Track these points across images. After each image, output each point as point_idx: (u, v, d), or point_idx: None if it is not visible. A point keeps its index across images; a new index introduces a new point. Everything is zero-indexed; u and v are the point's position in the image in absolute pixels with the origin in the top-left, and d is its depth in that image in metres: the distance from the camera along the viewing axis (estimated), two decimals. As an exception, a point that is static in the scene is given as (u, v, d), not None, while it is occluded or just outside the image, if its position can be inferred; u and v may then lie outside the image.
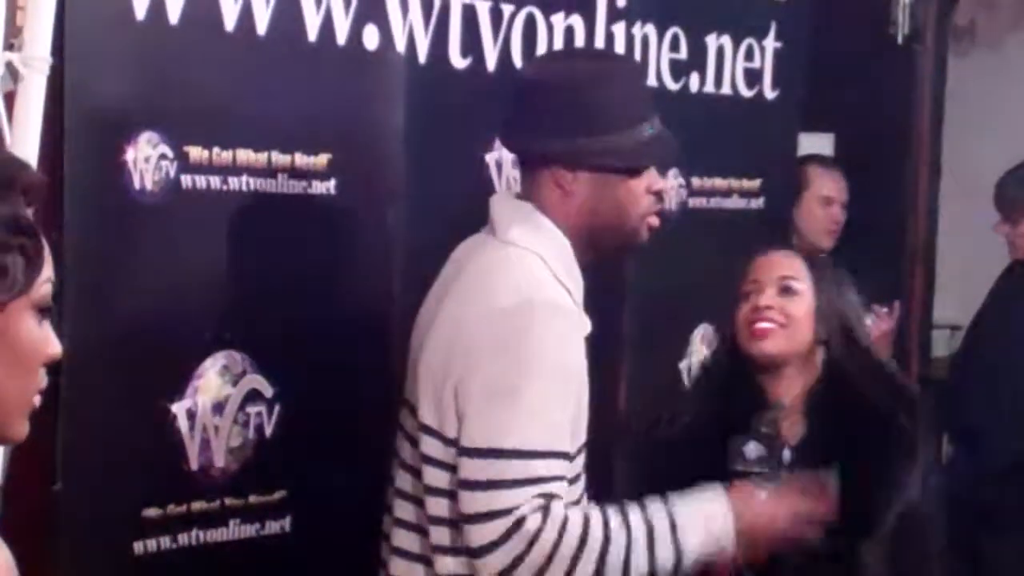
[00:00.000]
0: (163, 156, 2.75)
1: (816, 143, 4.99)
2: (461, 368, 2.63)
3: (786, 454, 3.00)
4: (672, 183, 3.93)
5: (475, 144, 3.44)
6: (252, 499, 2.96)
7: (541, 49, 3.52)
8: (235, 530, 2.95)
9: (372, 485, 3.02)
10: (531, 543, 2.52)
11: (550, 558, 2.54)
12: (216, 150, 2.85)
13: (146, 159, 2.71)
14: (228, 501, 2.92)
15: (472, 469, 2.57)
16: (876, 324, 4.94)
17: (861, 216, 5.10)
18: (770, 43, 4.18)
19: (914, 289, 5.33)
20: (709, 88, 4.03)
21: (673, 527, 2.65)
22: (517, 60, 3.49)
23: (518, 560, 2.54)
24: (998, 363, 4.74)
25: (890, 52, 5.38)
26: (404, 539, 2.78)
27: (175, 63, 2.79)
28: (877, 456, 3.01)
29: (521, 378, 2.60)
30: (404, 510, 2.78)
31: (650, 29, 3.84)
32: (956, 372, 5.16)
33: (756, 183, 4.25)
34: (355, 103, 3.16)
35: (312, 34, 3.01)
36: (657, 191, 2.86)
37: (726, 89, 4.09)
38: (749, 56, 4.13)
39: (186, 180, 2.79)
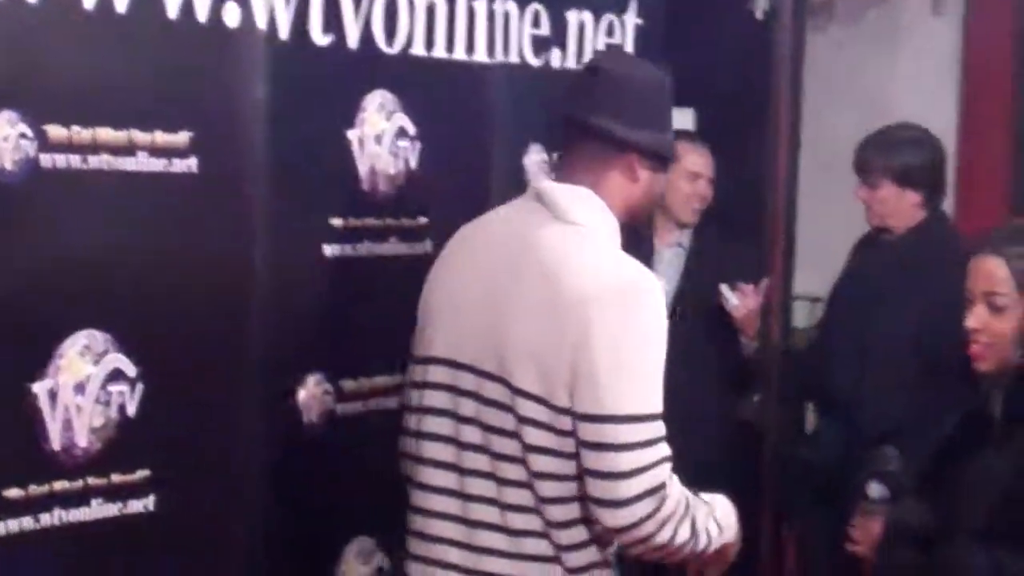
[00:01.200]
0: (22, 135, 2.74)
1: (677, 119, 5.06)
2: (579, 344, 2.92)
3: None
4: (534, 159, 4.02)
5: (337, 121, 3.47)
6: (115, 478, 2.98)
7: (403, 27, 3.56)
8: (98, 509, 2.95)
9: (235, 463, 3.10)
10: (664, 498, 2.94)
11: (673, 513, 2.96)
12: (76, 129, 2.84)
13: (5, 138, 2.70)
14: (91, 480, 2.93)
15: (618, 433, 2.90)
16: (743, 301, 5.04)
17: (723, 191, 5.20)
18: (631, 19, 4.23)
19: (774, 261, 5.41)
20: (571, 64, 4.06)
21: (711, 507, 3.12)
22: (379, 38, 3.52)
23: (655, 511, 2.93)
24: (864, 334, 4.78)
25: (749, 27, 5.47)
26: (490, 492, 3.06)
27: (33, 42, 2.78)
28: None
29: (645, 350, 2.96)
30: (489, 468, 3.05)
31: (511, 6, 3.87)
32: (820, 343, 5.21)
33: None
34: (216, 80, 3.17)
35: (172, 11, 3.01)
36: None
37: None
38: (610, 32, 4.18)
39: (46, 159, 2.78)
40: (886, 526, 3.32)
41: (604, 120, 3.08)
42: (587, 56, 4.08)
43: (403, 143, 3.60)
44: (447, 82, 3.74)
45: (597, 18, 4.13)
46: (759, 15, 5.45)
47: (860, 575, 3.73)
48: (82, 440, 2.91)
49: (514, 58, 3.90)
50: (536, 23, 3.94)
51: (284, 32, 3.28)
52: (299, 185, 3.35)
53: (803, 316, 6.17)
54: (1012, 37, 7.37)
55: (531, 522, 3.04)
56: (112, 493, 2.98)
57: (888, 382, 4.75)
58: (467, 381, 3.06)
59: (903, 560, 3.25)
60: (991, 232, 3.38)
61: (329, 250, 3.46)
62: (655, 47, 4.30)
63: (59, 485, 2.88)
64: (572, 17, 4.06)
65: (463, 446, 3.06)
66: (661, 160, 3.17)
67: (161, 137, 3.02)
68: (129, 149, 2.96)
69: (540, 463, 2.99)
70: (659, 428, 2.95)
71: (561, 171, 3.19)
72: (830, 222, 5.55)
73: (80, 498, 2.93)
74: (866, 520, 3.35)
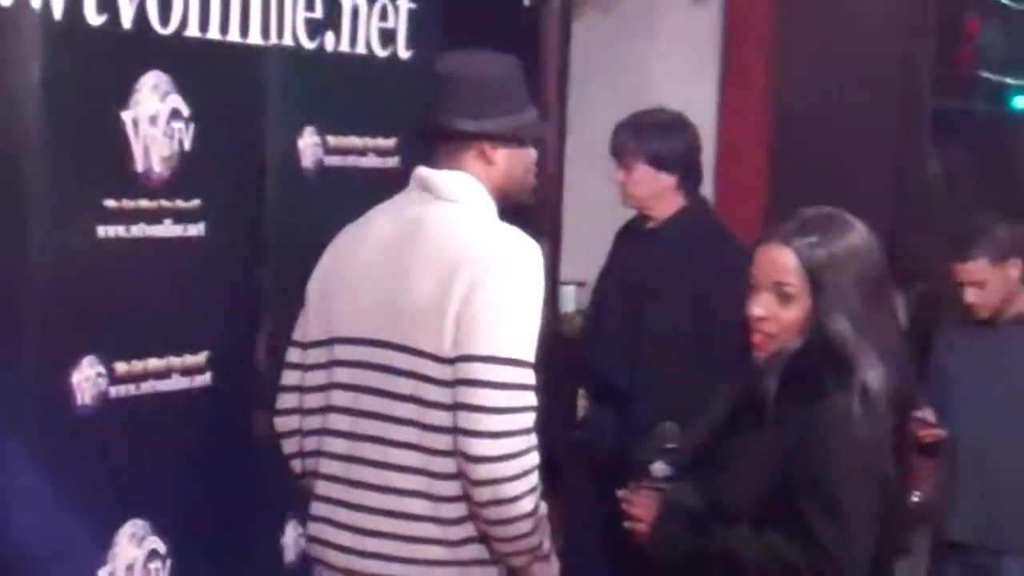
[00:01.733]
0: None
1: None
2: (467, 296, 3.25)
3: None
4: (308, 141, 4.07)
5: (111, 101, 3.47)
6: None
7: (177, 8, 3.59)
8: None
9: (7, 443, 3.19)
10: (531, 445, 3.26)
11: (534, 468, 3.28)
12: None
13: None
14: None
15: (495, 372, 3.22)
16: None
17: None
18: (404, 4, 4.31)
19: (542, 247, 5.53)
20: (344, 47, 4.13)
21: None
22: (153, 18, 3.54)
23: (521, 453, 3.23)
24: (635, 325, 4.86)
25: (518, 15, 5.58)
26: (401, 457, 3.33)
27: None
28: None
29: (524, 304, 3.29)
30: (399, 433, 3.32)
31: None
32: (591, 332, 5.28)
33: (391, 142, 4.36)
34: (-11, 59, 3.16)
35: (-57, -12, 2.99)
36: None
37: (361, 48, 4.20)
38: (383, 16, 4.25)
39: None
40: (663, 505, 3.42)
41: (450, 117, 3.44)
42: (361, 39, 4.18)
43: (177, 124, 3.63)
44: (221, 64, 3.77)
45: (371, 3, 4.20)
46: (527, 2, 5.58)
47: (632, 555, 3.81)
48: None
49: (288, 41, 3.95)
50: (310, 7, 4.00)
51: (58, 11, 3.27)
52: (73, 166, 3.36)
53: (570, 300, 6.31)
54: (770, 24, 7.64)
55: (414, 481, 3.33)
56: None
57: (661, 373, 4.85)
58: (370, 354, 3.35)
59: (677, 540, 3.36)
60: (779, 222, 3.49)
61: (103, 231, 3.47)
62: (429, 32, 4.39)
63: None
64: (346, 1, 4.12)
65: (362, 414, 3.36)
66: (517, 139, 3.50)
67: (-67, 116, 3.00)
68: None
69: (432, 416, 3.28)
70: (531, 376, 3.26)
71: (431, 163, 3.49)
72: (594, 207, 5.67)
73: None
74: (646, 499, 3.44)
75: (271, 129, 3.99)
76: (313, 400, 3.44)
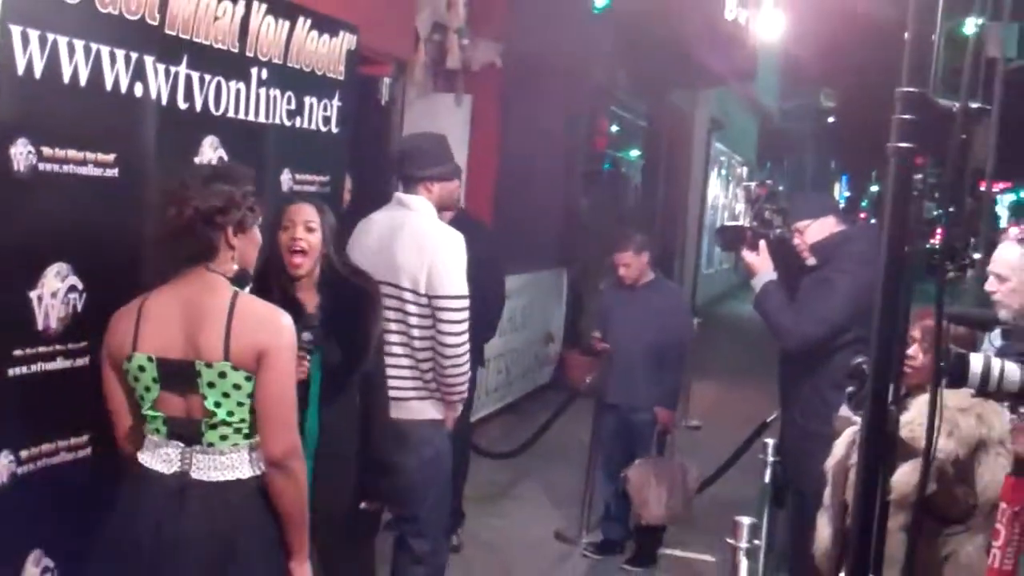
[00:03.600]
0: None
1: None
2: (432, 261, 3.57)
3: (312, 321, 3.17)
4: (285, 177, 3.83)
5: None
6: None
7: (227, 99, 3.35)
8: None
9: None
10: (467, 336, 3.60)
11: (468, 344, 3.61)
12: None
13: None
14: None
15: (455, 304, 3.55)
16: None
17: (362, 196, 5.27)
18: (335, 102, 3.94)
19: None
20: (306, 125, 3.78)
21: None
22: (211, 106, 3.23)
23: (465, 342, 3.59)
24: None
25: (379, 108, 5.70)
26: (396, 339, 3.60)
27: None
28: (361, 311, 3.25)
29: (461, 266, 3.61)
30: (395, 327, 3.59)
31: (277, 92, 3.61)
32: None
33: (326, 177, 4.00)
34: None
35: None
36: (458, 187, 4.08)
37: (314, 126, 3.85)
38: (326, 109, 3.91)
39: None
40: None
41: (410, 169, 3.82)
42: (314, 120, 3.86)
43: None
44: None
45: (319, 100, 3.81)
46: (383, 101, 5.73)
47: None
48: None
49: (278, 120, 3.59)
50: None
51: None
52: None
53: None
54: (497, 119, 7.97)
55: (405, 350, 3.62)
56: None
57: None
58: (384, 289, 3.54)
59: None
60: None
61: None
62: (347, 117, 4.05)
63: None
64: (307, 99, 3.77)
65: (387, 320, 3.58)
66: (444, 177, 3.85)
67: None
68: None
69: (411, 319, 3.62)
70: (467, 303, 3.59)
71: (404, 190, 3.83)
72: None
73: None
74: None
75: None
76: None
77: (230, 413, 2.51)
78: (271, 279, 3.19)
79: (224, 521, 2.45)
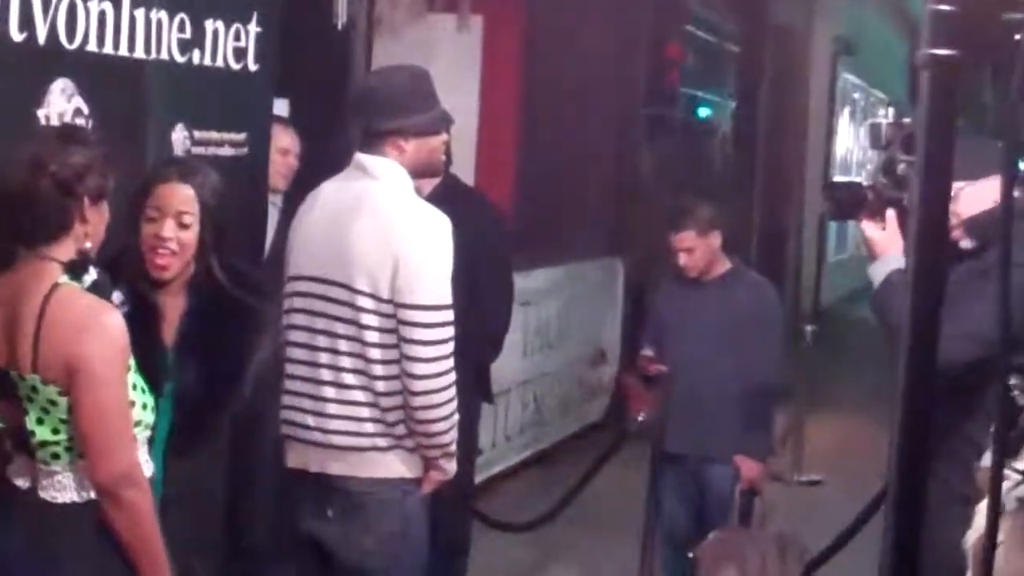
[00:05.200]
0: None
1: (276, 106, 5.29)
2: (398, 254, 3.53)
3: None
4: (178, 136, 4.16)
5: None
6: None
7: (84, 27, 3.60)
8: None
9: None
10: (451, 364, 3.58)
11: (452, 375, 3.59)
12: None
13: None
14: None
15: (431, 316, 3.53)
16: None
17: (310, 165, 5.42)
18: (252, 27, 4.36)
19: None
20: (207, 62, 4.19)
21: None
22: (63, 36, 3.50)
23: (447, 372, 3.56)
24: None
25: (334, 36, 5.71)
26: (348, 363, 3.60)
27: None
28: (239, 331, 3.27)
29: (439, 259, 3.57)
30: (344, 345, 3.60)
31: (163, 15, 3.95)
32: None
33: (242, 136, 4.42)
34: None
35: None
36: (447, 142, 3.94)
37: (220, 63, 4.26)
38: (237, 37, 4.31)
39: None
40: None
41: (371, 119, 3.69)
42: (220, 56, 4.24)
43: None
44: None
45: (228, 26, 4.25)
46: (339, 27, 5.70)
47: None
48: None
49: (164, 56, 3.98)
50: (182, 29, 4.05)
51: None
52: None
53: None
54: (519, 48, 7.97)
55: (357, 379, 3.61)
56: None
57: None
58: (314, 288, 3.62)
59: None
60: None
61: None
62: (270, 50, 4.45)
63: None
64: (208, 25, 4.18)
65: (315, 332, 3.62)
66: (422, 131, 3.71)
67: None
68: None
69: (368, 335, 3.56)
70: (450, 314, 3.58)
71: (366, 150, 3.70)
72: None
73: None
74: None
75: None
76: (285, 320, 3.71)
77: (54, 431, 2.83)
78: (123, 275, 3.19)
79: (52, 546, 2.85)
